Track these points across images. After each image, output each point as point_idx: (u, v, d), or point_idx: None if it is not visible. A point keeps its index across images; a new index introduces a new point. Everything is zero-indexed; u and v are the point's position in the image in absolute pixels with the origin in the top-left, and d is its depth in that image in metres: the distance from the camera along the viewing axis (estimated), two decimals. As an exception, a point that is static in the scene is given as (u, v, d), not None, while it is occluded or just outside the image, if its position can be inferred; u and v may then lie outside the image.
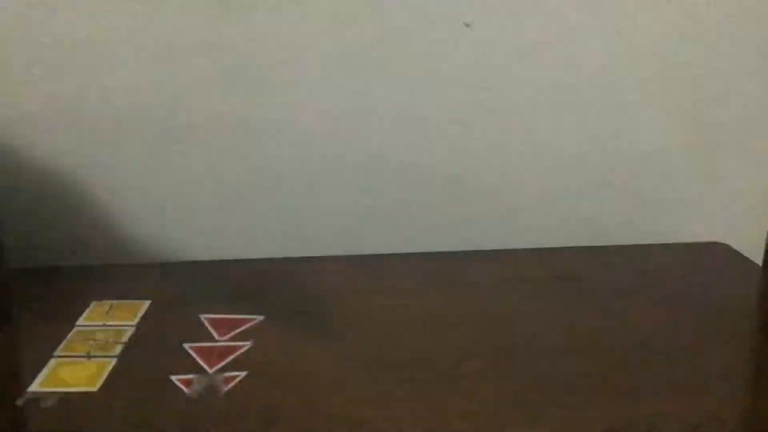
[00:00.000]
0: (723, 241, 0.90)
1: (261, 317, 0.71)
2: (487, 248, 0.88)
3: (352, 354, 0.65)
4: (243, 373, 0.62)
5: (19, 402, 0.58)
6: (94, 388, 0.60)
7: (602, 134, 0.87)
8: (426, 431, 0.55)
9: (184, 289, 0.76)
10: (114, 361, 0.63)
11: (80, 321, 0.70)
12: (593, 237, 0.90)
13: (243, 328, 0.69)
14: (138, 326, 0.69)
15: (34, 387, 0.60)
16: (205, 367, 0.63)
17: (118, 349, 0.65)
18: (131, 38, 0.78)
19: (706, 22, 0.85)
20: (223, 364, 0.63)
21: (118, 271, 0.81)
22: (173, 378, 0.61)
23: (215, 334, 0.68)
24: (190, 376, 0.61)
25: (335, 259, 0.85)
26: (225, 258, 0.84)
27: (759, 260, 0.87)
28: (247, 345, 0.66)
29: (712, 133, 0.90)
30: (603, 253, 0.88)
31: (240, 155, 0.83)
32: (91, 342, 0.66)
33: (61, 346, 0.65)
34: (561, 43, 0.84)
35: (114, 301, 0.73)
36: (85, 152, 0.81)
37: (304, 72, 0.81)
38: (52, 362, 0.63)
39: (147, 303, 0.73)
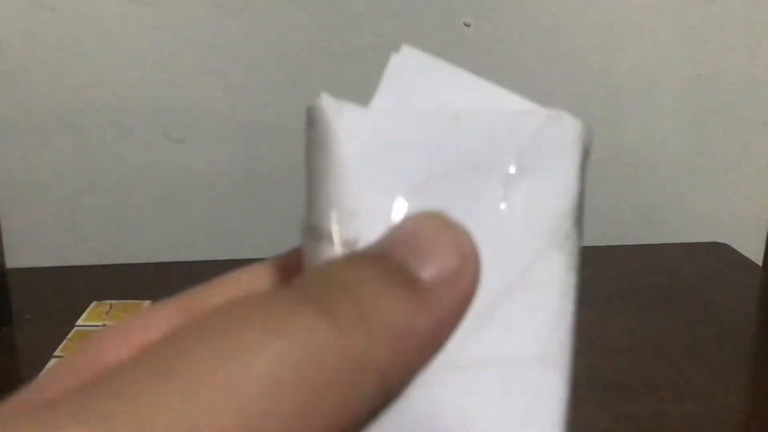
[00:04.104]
0: (723, 241, 0.90)
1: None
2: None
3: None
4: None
5: (19, 402, 0.58)
6: (94, 388, 0.59)
7: (601, 134, 0.87)
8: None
9: (184, 289, 0.76)
10: (114, 361, 0.63)
11: (80, 321, 0.70)
12: (593, 237, 0.90)
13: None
14: (138, 326, 0.69)
15: (34, 387, 0.60)
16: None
17: (118, 349, 0.65)
18: (131, 38, 0.78)
19: (707, 21, 0.85)
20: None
21: (118, 271, 0.81)
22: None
23: (215, 334, 0.68)
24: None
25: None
26: (225, 258, 0.84)
27: (759, 260, 0.87)
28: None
29: (713, 133, 0.90)
30: (603, 253, 0.88)
31: (240, 155, 0.83)
32: (91, 342, 0.66)
33: (61, 346, 0.65)
34: (560, 42, 0.84)
35: (114, 301, 0.73)
36: (86, 152, 0.81)
37: (304, 72, 0.81)
38: (52, 362, 0.63)
39: (147, 303, 0.73)
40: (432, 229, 0.18)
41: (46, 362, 0.63)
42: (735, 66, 0.87)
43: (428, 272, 0.17)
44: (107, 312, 0.71)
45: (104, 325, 0.69)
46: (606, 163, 0.88)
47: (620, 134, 0.88)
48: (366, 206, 0.18)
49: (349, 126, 0.19)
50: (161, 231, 0.85)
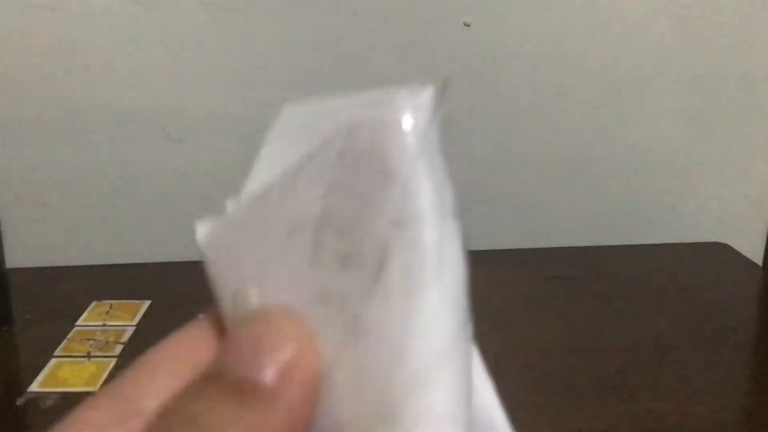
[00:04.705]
0: (723, 241, 0.90)
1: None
2: (487, 248, 0.88)
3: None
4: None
5: (19, 402, 0.58)
6: (94, 388, 0.60)
7: (602, 134, 0.87)
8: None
9: (184, 289, 0.76)
10: (114, 361, 0.63)
11: (80, 321, 0.70)
12: (593, 237, 0.90)
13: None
14: (138, 326, 0.69)
15: (34, 387, 0.60)
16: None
17: (118, 349, 0.65)
18: (131, 38, 0.78)
19: (707, 21, 0.85)
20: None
21: (118, 271, 0.81)
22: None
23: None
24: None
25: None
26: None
27: (759, 260, 0.87)
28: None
29: (713, 132, 0.90)
30: (603, 253, 0.88)
31: (240, 155, 0.83)
32: (91, 342, 0.66)
33: (61, 346, 0.66)
34: (561, 42, 0.84)
35: (114, 301, 0.73)
36: (86, 152, 0.81)
37: (305, 72, 0.81)
38: (52, 362, 0.63)
39: (147, 303, 0.73)
40: (258, 330, 0.18)
41: (46, 362, 0.63)
42: (734, 66, 0.87)
43: (266, 375, 0.17)
44: (107, 312, 0.71)
45: (104, 324, 0.69)
46: (606, 162, 0.88)
47: (620, 134, 0.88)
48: (225, 295, 0.22)
49: (210, 240, 0.24)
50: (161, 231, 0.85)
